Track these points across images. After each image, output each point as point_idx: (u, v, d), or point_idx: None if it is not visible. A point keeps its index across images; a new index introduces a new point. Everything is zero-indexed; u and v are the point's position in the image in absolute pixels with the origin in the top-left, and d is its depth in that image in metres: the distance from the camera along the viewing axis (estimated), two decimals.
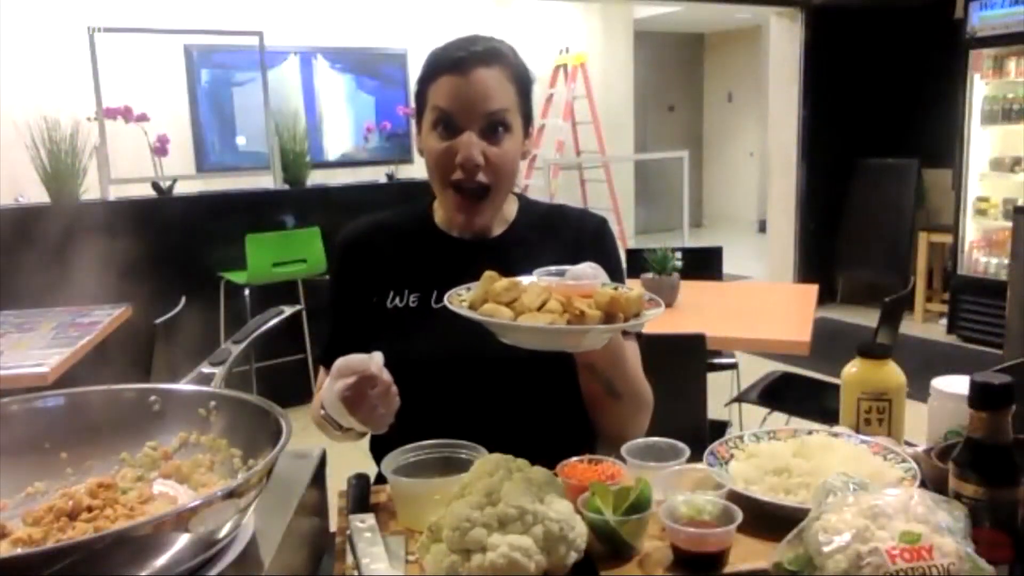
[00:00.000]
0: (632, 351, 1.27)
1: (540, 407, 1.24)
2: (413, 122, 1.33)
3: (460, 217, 1.25)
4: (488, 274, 1.03)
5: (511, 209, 1.37)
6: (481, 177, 1.21)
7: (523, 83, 1.26)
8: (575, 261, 1.24)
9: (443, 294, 1.20)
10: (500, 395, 1.22)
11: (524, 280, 1.02)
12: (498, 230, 1.34)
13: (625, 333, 1.16)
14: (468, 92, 1.19)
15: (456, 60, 1.20)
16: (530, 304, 0.96)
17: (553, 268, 1.05)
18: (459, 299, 1.04)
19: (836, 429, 1.17)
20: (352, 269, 1.33)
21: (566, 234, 1.35)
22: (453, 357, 1.11)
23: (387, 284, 1.29)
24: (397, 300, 1.28)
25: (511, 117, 1.22)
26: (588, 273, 1.04)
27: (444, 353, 1.15)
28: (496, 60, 1.22)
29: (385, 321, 1.27)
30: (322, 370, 1.32)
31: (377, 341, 1.20)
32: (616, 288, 1.02)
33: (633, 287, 1.06)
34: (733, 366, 3.34)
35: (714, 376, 2.84)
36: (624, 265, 1.44)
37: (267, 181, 4.64)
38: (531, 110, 1.29)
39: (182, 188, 4.40)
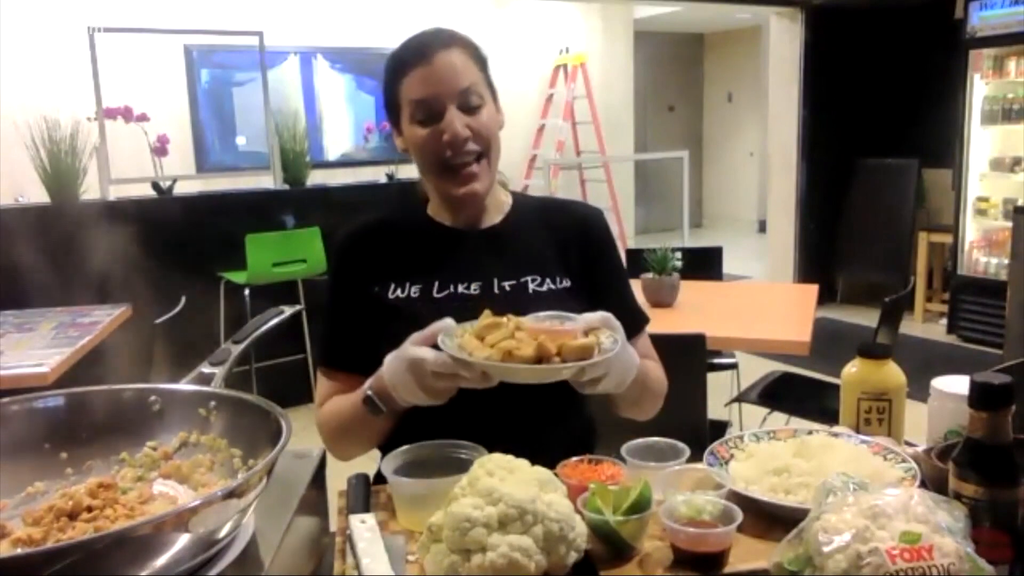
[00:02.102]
0: (643, 347, 1.33)
1: (541, 407, 1.24)
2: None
3: (460, 190, 1.26)
4: (485, 313, 1.08)
5: (506, 201, 1.38)
6: (471, 146, 1.24)
7: (481, 60, 1.30)
8: (578, 248, 1.33)
9: (444, 284, 1.26)
10: (501, 393, 1.22)
11: (525, 320, 1.07)
12: (495, 219, 1.35)
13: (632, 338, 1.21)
14: (438, 76, 1.23)
15: (417, 51, 1.25)
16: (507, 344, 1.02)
17: (554, 313, 1.10)
18: (460, 332, 1.09)
19: (836, 429, 1.17)
20: (351, 265, 1.32)
21: (566, 224, 1.36)
22: None
23: (388, 277, 1.29)
24: (399, 291, 1.28)
25: (481, 90, 1.26)
26: (596, 321, 1.08)
27: None
28: (453, 42, 1.26)
29: (387, 313, 1.26)
30: (320, 376, 1.32)
31: (379, 334, 1.20)
32: (596, 333, 1.07)
33: (593, 332, 1.08)
34: (733, 366, 3.34)
35: (714, 376, 2.84)
36: (624, 264, 1.46)
37: (267, 181, 4.64)
38: (494, 84, 1.32)
39: (182, 188, 4.40)
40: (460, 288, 1.27)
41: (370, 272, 1.30)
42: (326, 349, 1.33)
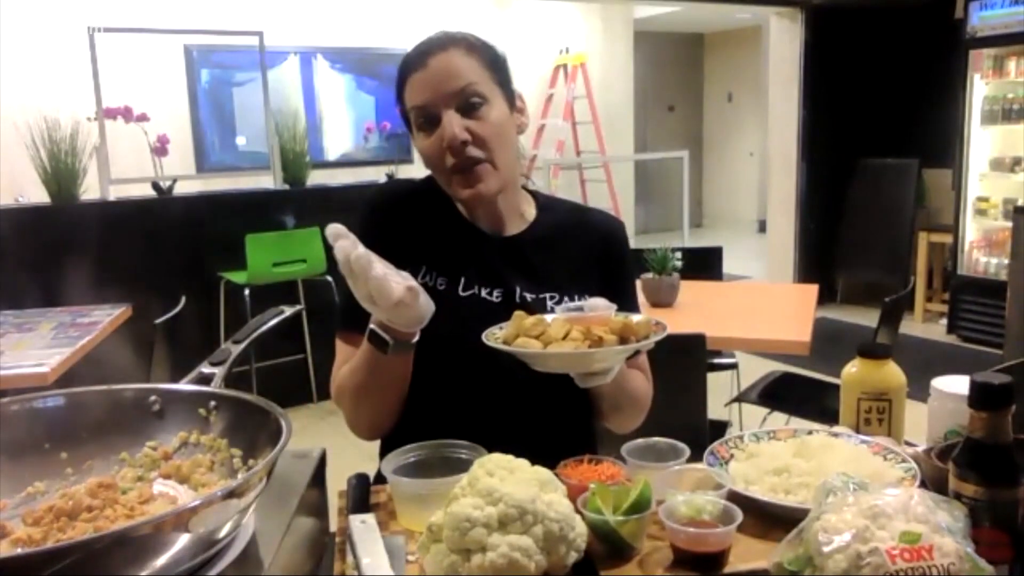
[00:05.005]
0: (641, 361, 1.33)
1: (543, 407, 1.25)
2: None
3: (466, 192, 1.24)
4: (517, 313, 1.12)
5: (530, 208, 1.37)
6: (471, 151, 1.21)
7: (487, 55, 1.26)
8: (598, 265, 1.34)
9: (469, 284, 1.26)
10: (506, 392, 1.22)
11: (548, 317, 1.14)
12: (518, 228, 1.34)
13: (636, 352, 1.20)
14: (431, 79, 1.21)
15: (413, 58, 1.23)
16: (555, 335, 1.07)
17: (573, 304, 1.20)
18: (493, 337, 1.12)
19: (836, 429, 1.17)
20: (382, 226, 1.28)
21: (590, 237, 1.36)
22: (470, 348, 1.10)
23: (416, 258, 1.26)
24: (427, 278, 1.26)
25: (483, 88, 1.22)
26: (602, 304, 1.14)
27: (462, 341, 1.15)
28: (451, 43, 1.24)
29: None
30: (338, 344, 1.28)
31: None
32: (627, 316, 1.15)
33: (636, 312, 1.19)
34: (733, 366, 3.34)
35: (714, 376, 2.84)
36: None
37: (267, 181, 4.64)
38: (508, 80, 1.28)
39: (182, 188, 4.40)
40: (483, 292, 1.26)
41: (399, 245, 1.23)
42: (345, 311, 1.25)
